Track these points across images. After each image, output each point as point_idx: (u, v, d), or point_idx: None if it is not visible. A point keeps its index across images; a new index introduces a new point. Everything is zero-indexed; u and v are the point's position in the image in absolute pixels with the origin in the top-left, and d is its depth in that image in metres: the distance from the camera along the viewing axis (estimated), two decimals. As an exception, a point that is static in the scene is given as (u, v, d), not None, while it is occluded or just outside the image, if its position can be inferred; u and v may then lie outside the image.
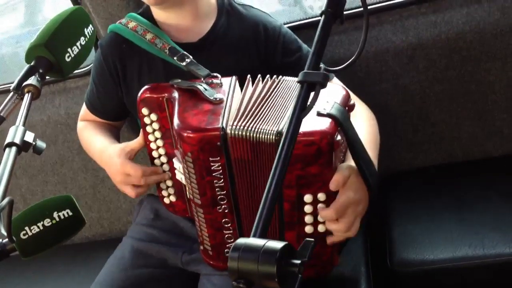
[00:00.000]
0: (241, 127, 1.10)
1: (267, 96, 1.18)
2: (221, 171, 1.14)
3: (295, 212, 1.12)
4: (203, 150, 1.12)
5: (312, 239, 0.64)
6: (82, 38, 1.15)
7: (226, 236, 1.23)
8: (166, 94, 1.23)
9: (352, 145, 1.06)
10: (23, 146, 0.89)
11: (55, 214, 1.07)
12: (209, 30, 1.40)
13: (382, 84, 1.62)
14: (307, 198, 1.10)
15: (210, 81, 1.25)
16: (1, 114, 1.02)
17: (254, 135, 1.09)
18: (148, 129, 1.28)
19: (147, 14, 1.43)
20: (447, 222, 1.47)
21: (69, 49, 1.11)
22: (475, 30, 1.53)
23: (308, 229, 1.13)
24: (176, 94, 1.22)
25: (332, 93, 1.12)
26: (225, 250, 1.25)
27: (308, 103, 0.74)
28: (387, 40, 1.59)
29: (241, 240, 0.64)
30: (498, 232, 1.40)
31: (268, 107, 1.15)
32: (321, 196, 1.09)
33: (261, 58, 1.39)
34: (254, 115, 1.13)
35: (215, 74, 1.27)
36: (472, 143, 1.66)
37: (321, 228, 1.13)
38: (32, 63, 1.07)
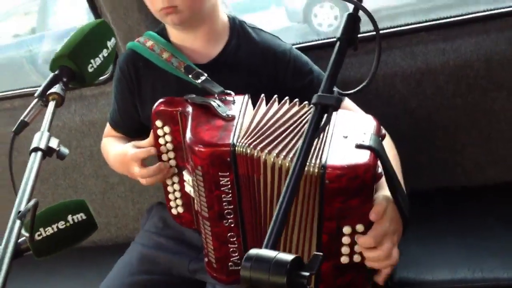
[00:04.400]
0: (251, 145, 1.13)
1: (281, 118, 1.20)
2: (229, 186, 1.17)
3: (334, 244, 1.12)
4: (213, 165, 1.16)
5: (321, 253, 0.68)
6: (105, 50, 1.19)
7: (231, 249, 1.26)
8: (180, 108, 1.28)
9: (390, 177, 1.07)
10: (48, 151, 0.93)
11: (69, 217, 1.10)
12: (219, 52, 1.44)
13: (390, 107, 1.66)
14: (346, 229, 1.10)
15: (224, 98, 1.29)
16: (26, 120, 1.08)
17: (267, 157, 1.11)
18: (161, 140, 1.33)
19: (162, 33, 1.48)
20: (447, 245, 1.51)
21: (92, 60, 1.15)
22: (482, 59, 1.57)
23: (344, 259, 1.13)
24: (190, 109, 1.26)
25: (365, 123, 1.14)
26: (229, 264, 1.27)
27: (321, 124, 0.78)
28: (396, 64, 1.64)
29: (254, 251, 0.68)
30: (497, 258, 1.43)
31: (282, 130, 1.17)
32: (359, 227, 1.09)
33: (271, 81, 1.42)
34: (265, 135, 1.15)
35: (228, 91, 1.31)
36: (475, 169, 1.70)
37: (356, 258, 1.13)
38: (56, 72, 1.12)
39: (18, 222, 0.80)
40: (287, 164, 1.09)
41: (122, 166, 1.46)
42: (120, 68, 1.49)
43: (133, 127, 1.56)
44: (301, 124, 1.18)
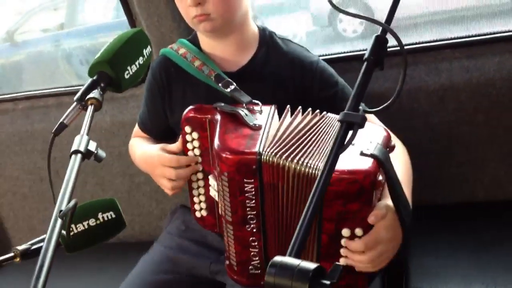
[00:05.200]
0: (277, 154, 1.18)
1: (304, 128, 1.25)
2: (253, 192, 1.22)
3: (332, 245, 1.17)
4: (239, 172, 1.21)
5: (341, 264, 0.72)
6: (141, 58, 1.24)
7: (252, 254, 1.30)
8: (209, 116, 1.33)
9: (392, 186, 1.11)
10: (87, 154, 0.99)
11: (100, 215, 1.14)
12: (248, 61, 1.48)
13: (412, 121, 1.70)
14: (345, 232, 1.15)
15: (251, 107, 1.34)
16: (65, 122, 1.14)
17: (296, 166, 1.16)
18: (189, 146, 1.38)
19: (194, 41, 1.53)
20: (463, 259, 1.54)
21: (128, 67, 1.20)
22: (505, 77, 1.60)
23: (342, 261, 1.17)
24: (218, 117, 1.31)
25: (375, 134, 1.19)
26: (250, 267, 1.31)
27: (346, 141, 0.83)
28: (420, 79, 1.67)
29: (279, 258, 0.73)
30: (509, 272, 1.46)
31: (306, 139, 1.22)
32: (358, 231, 1.14)
33: (297, 92, 1.46)
34: (293, 146, 1.20)
35: (256, 101, 1.35)
36: (494, 185, 1.73)
37: None
38: (94, 77, 1.18)
39: (59, 221, 0.84)
40: (308, 171, 1.14)
41: (147, 166, 1.51)
42: (152, 73, 1.55)
43: (160, 130, 1.62)
44: (322, 134, 1.24)
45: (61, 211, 0.86)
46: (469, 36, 1.64)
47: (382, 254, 1.14)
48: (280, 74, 1.47)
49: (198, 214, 1.46)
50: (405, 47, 0.93)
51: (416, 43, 1.68)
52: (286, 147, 1.20)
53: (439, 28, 1.94)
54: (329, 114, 1.30)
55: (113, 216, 1.16)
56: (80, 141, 1.00)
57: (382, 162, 1.08)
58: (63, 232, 1.03)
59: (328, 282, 0.70)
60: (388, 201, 1.17)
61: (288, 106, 1.33)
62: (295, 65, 1.48)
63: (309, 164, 1.15)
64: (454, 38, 1.66)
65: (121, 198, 2.11)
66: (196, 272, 1.54)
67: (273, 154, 1.19)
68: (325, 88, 1.47)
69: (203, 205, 1.44)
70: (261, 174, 1.20)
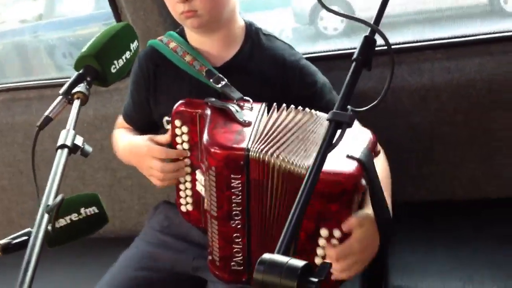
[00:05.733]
0: (264, 151, 1.19)
1: (292, 125, 1.26)
2: (240, 188, 1.23)
3: (309, 243, 1.19)
4: (227, 167, 1.22)
5: (329, 262, 0.73)
6: (128, 52, 1.24)
7: (235, 250, 1.31)
8: (199, 110, 1.33)
9: (374, 191, 1.13)
10: (73, 149, 0.98)
11: (82, 210, 1.14)
12: (232, 56, 1.48)
13: (394, 120, 1.72)
14: (323, 232, 1.16)
15: (242, 104, 1.35)
16: (50, 115, 1.13)
17: (281, 163, 1.17)
18: (178, 139, 1.38)
19: (181, 34, 1.52)
20: (441, 255, 1.57)
21: (115, 61, 1.19)
22: (485, 79, 1.63)
23: (318, 260, 1.19)
24: (208, 112, 1.32)
25: (362, 137, 1.21)
26: (232, 263, 1.32)
27: (334, 140, 0.84)
28: (403, 79, 1.70)
29: (267, 256, 0.74)
30: (488, 270, 1.50)
31: (293, 137, 1.23)
32: (336, 233, 1.16)
33: (280, 88, 1.46)
34: (278, 142, 1.21)
35: (247, 98, 1.36)
36: (472, 184, 1.76)
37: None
38: (81, 71, 1.17)
39: (46, 216, 0.84)
40: (294, 169, 1.16)
41: (132, 156, 1.50)
42: (139, 63, 1.54)
43: (145, 122, 1.61)
44: (310, 132, 1.25)
45: (48, 205, 0.85)
46: (450, 38, 1.67)
47: (354, 264, 1.15)
48: (263, 70, 1.48)
49: (183, 209, 1.47)
50: (397, 47, 0.95)
51: (399, 43, 1.71)
52: (274, 144, 1.21)
53: (420, 28, 1.97)
54: (317, 112, 1.32)
55: (96, 211, 1.15)
56: (67, 136, 1.00)
57: (367, 167, 1.10)
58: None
59: (316, 280, 0.71)
60: (368, 210, 1.18)
61: (275, 104, 1.34)
62: (277, 62, 1.48)
63: (295, 162, 1.16)
64: (436, 39, 1.69)
65: (102, 193, 2.09)
66: (178, 268, 1.54)
67: (260, 150, 1.20)
68: (305, 87, 1.48)
69: (189, 199, 1.45)
70: (248, 170, 1.21)
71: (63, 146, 0.97)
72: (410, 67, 1.69)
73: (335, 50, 1.78)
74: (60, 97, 1.15)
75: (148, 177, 1.47)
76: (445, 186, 1.78)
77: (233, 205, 1.25)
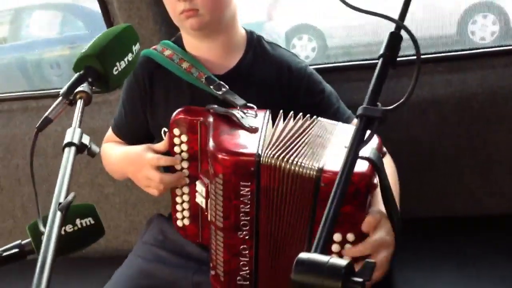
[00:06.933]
0: (276, 156, 1.14)
1: (300, 131, 1.23)
2: (249, 196, 1.17)
3: (322, 250, 1.14)
4: (236, 174, 1.16)
5: (374, 261, 0.68)
6: (130, 54, 1.19)
7: (241, 263, 1.24)
8: (201, 118, 1.27)
9: (385, 191, 1.09)
10: (80, 147, 0.92)
11: (77, 221, 1.09)
12: (235, 65, 1.45)
13: (394, 133, 1.68)
14: (336, 237, 1.12)
15: (246, 111, 1.30)
16: (50, 116, 1.06)
17: (291, 167, 1.13)
18: (176, 149, 1.32)
19: (177, 43, 1.48)
20: (446, 272, 1.53)
21: (117, 63, 1.14)
22: (487, 92, 1.63)
23: None
24: (211, 119, 1.26)
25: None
26: (238, 278, 1.26)
27: (366, 137, 0.80)
28: (403, 92, 1.67)
29: (305, 255, 0.68)
30: (493, 285, 1.46)
31: (303, 143, 1.19)
32: (350, 236, 1.11)
33: (284, 97, 1.44)
34: (288, 148, 1.17)
35: (251, 105, 1.32)
36: (471, 199, 1.74)
37: None
38: (81, 72, 1.11)
39: (58, 213, 0.79)
40: (309, 173, 1.12)
41: (129, 167, 1.42)
42: (134, 73, 1.48)
43: (136, 135, 1.55)
44: (318, 137, 1.22)
45: (60, 203, 0.79)
46: (451, 51, 1.66)
47: (386, 257, 1.11)
48: (267, 78, 1.45)
49: (179, 223, 1.39)
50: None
51: (398, 56, 1.69)
52: (285, 149, 1.16)
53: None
54: (321, 118, 1.29)
55: (92, 222, 1.10)
56: (73, 134, 0.94)
57: (378, 166, 1.07)
58: (36, 240, 0.98)
59: (361, 280, 0.65)
60: (379, 207, 1.15)
61: (281, 111, 1.30)
62: (282, 70, 1.46)
63: (310, 166, 1.12)
64: (437, 52, 1.68)
65: (88, 210, 2.01)
66: (176, 285, 1.45)
67: (272, 156, 1.15)
68: (311, 95, 1.46)
69: (186, 213, 1.38)
70: (258, 177, 1.15)
71: (70, 144, 0.91)
72: (410, 79, 1.67)
73: (334, 62, 1.76)
74: (60, 98, 1.09)
75: (144, 188, 1.39)
76: (445, 202, 1.76)
77: (241, 214, 1.19)
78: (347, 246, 1.12)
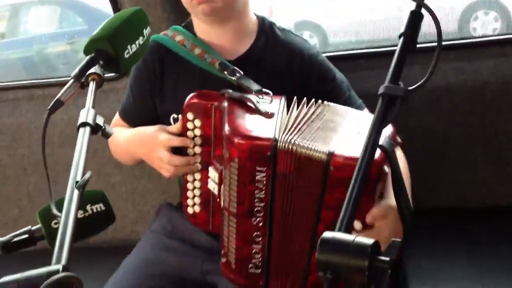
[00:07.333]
0: (293, 141, 1.13)
1: (313, 117, 1.21)
2: (264, 181, 1.15)
3: None
4: (251, 158, 1.14)
5: (400, 239, 0.66)
6: (141, 37, 1.16)
7: (254, 250, 1.22)
8: (216, 103, 1.25)
9: (397, 179, 1.07)
10: (95, 127, 0.91)
11: (88, 207, 1.07)
12: (246, 51, 1.43)
13: (406, 121, 1.67)
14: None
15: (261, 96, 1.28)
16: (61, 99, 1.04)
17: (305, 151, 1.11)
18: (189, 134, 1.29)
19: (188, 28, 1.46)
20: (459, 262, 1.52)
21: (129, 46, 1.12)
22: (499, 81, 1.61)
23: None
24: (226, 103, 1.24)
25: None
26: (249, 266, 1.23)
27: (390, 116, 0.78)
28: (416, 80, 1.65)
29: (329, 234, 0.66)
30: (507, 275, 1.46)
31: (315, 127, 1.18)
32: (357, 224, 1.10)
33: (295, 83, 1.42)
34: (303, 132, 1.15)
35: (266, 90, 1.30)
36: (484, 188, 1.72)
37: None
38: (92, 55, 1.09)
39: (76, 192, 0.78)
40: (326, 158, 1.10)
41: (140, 147, 1.40)
42: (143, 58, 1.45)
43: (144, 120, 1.51)
44: (332, 123, 1.20)
45: (77, 182, 0.79)
46: (463, 38, 1.65)
47: None
48: (278, 64, 1.43)
49: (190, 210, 1.37)
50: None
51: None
52: (303, 135, 1.15)
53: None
54: (334, 104, 1.27)
55: (103, 208, 1.09)
56: (87, 114, 0.92)
57: (389, 154, 1.05)
58: (46, 226, 0.97)
59: (387, 259, 0.64)
60: (390, 200, 1.13)
61: (295, 97, 1.28)
62: (294, 56, 1.44)
63: (320, 149, 1.11)
64: (447, 40, 1.66)
65: (94, 199, 1.99)
66: (186, 273, 1.44)
67: (289, 141, 1.13)
68: (323, 82, 1.44)
69: (197, 200, 1.35)
70: (275, 162, 1.13)
71: (84, 124, 0.89)
72: (422, 67, 1.65)
73: (340, 50, 1.74)
74: (72, 80, 1.06)
75: (157, 168, 1.37)
76: (457, 191, 1.74)
77: (255, 200, 1.17)
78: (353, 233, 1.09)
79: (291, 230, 1.19)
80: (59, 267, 0.63)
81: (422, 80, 0.89)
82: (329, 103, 1.27)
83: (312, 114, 1.23)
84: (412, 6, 0.91)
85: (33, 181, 2.01)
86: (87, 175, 0.81)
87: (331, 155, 1.10)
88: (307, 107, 1.25)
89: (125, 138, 1.48)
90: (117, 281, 1.44)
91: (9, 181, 2.06)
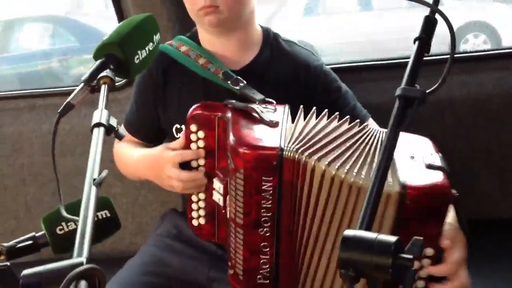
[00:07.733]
0: (300, 151, 1.11)
1: (322, 128, 1.20)
2: (271, 191, 1.14)
3: None
4: (257, 168, 1.13)
5: (421, 238, 0.66)
6: (151, 43, 1.17)
7: (262, 261, 1.20)
8: (219, 113, 1.24)
9: (458, 200, 1.06)
10: (109, 128, 0.90)
11: None
12: (250, 61, 1.43)
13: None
14: None
15: (265, 106, 1.27)
16: (71, 102, 1.04)
17: (315, 163, 1.10)
18: (193, 146, 1.28)
19: (193, 38, 1.47)
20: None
21: (139, 52, 1.12)
22: (503, 93, 1.62)
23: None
24: (229, 114, 1.23)
25: (424, 144, 1.15)
26: (258, 276, 1.21)
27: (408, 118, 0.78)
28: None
29: (350, 232, 0.66)
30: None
31: (326, 139, 1.16)
32: (429, 251, 1.06)
33: (300, 94, 1.42)
34: (313, 143, 1.14)
35: (270, 99, 1.30)
36: (487, 201, 1.72)
37: (420, 284, 1.09)
38: (103, 59, 1.09)
39: (94, 188, 0.79)
40: (342, 176, 1.07)
41: (151, 171, 1.39)
42: (148, 69, 1.46)
43: (149, 131, 1.53)
44: (341, 134, 1.18)
45: (94, 179, 0.79)
46: (467, 52, 1.66)
47: (466, 275, 1.07)
48: (283, 76, 1.43)
49: (195, 223, 1.35)
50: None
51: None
52: (310, 144, 1.13)
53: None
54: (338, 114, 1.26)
55: (108, 215, 1.08)
56: (101, 115, 0.92)
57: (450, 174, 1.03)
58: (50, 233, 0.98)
59: (411, 257, 0.63)
60: (448, 218, 1.09)
61: (301, 106, 1.28)
62: (299, 68, 1.45)
63: (332, 164, 1.09)
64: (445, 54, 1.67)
65: (94, 210, 1.97)
66: (189, 276, 1.42)
67: (295, 150, 1.12)
68: (328, 93, 1.45)
69: (201, 212, 1.33)
70: (281, 171, 1.12)
71: (98, 125, 0.90)
72: (426, 80, 1.66)
73: (344, 63, 1.75)
74: (82, 84, 1.06)
75: (169, 188, 1.35)
76: (461, 203, 1.73)
77: (262, 210, 1.15)
78: (425, 261, 1.06)
79: (301, 240, 1.17)
80: (83, 259, 0.63)
81: (438, 82, 0.89)
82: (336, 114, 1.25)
83: (318, 123, 1.21)
84: (426, 11, 0.92)
85: (32, 192, 1.99)
86: (104, 173, 0.81)
87: (405, 187, 1.02)
88: (317, 119, 1.23)
89: (134, 161, 1.47)
90: (120, 278, 1.43)
91: (7, 191, 2.04)
